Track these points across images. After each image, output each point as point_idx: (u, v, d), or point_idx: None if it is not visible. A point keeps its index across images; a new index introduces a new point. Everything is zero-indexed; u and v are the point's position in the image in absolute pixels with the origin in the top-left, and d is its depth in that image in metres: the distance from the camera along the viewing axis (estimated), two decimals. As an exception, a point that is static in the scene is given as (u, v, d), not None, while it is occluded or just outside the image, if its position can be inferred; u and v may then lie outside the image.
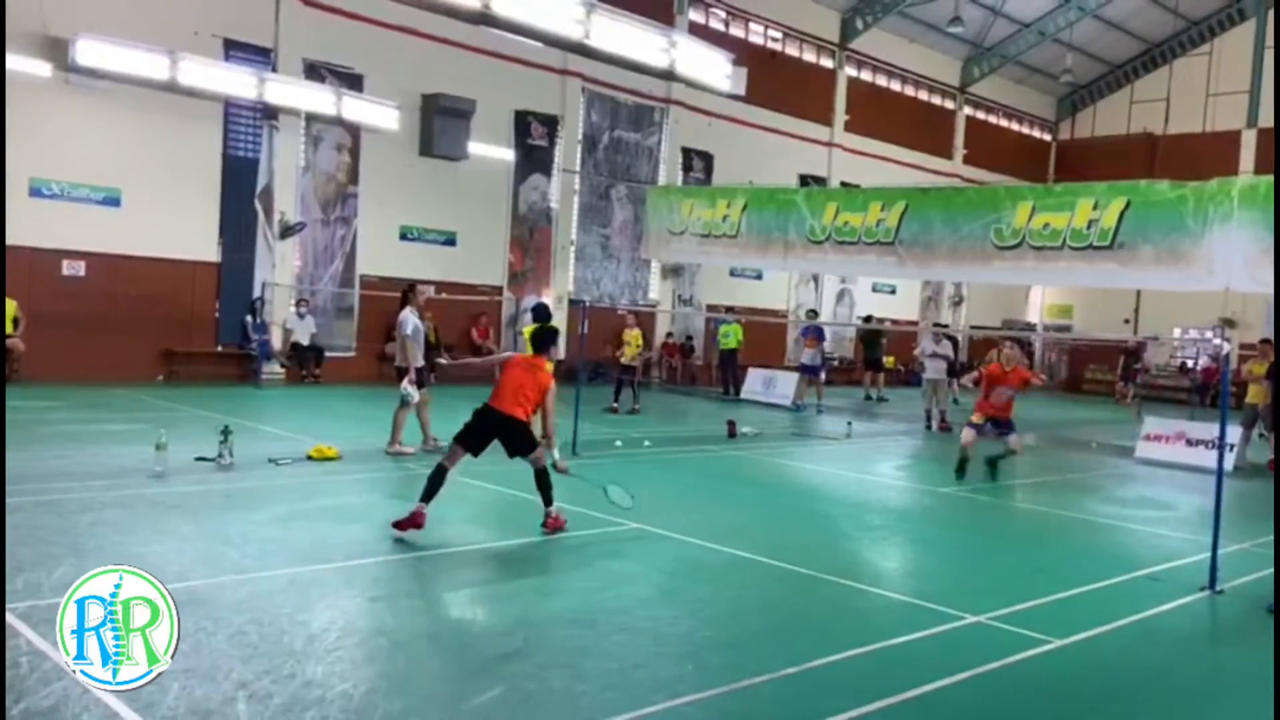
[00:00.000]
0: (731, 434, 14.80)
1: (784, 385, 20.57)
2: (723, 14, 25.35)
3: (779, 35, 26.76)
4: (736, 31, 25.53)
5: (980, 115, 33.18)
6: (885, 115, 29.60)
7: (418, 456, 10.67)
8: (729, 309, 24.15)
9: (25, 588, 5.58)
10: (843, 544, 8.53)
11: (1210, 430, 13.80)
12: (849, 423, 16.88)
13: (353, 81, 18.84)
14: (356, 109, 18.44)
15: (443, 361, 11.56)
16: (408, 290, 11.48)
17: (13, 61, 14.61)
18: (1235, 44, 31.12)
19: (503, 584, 6.66)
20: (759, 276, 25.65)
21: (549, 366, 7.98)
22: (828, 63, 28.22)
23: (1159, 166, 28.66)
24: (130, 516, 7.53)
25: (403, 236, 20.26)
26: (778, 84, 25.71)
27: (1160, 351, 30.50)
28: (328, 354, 18.92)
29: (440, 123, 19.83)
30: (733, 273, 24.69)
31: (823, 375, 20.91)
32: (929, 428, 17.54)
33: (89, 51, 15.41)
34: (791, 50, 27.23)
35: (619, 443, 13.06)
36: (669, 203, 18.37)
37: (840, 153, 28.34)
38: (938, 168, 31.16)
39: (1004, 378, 12.01)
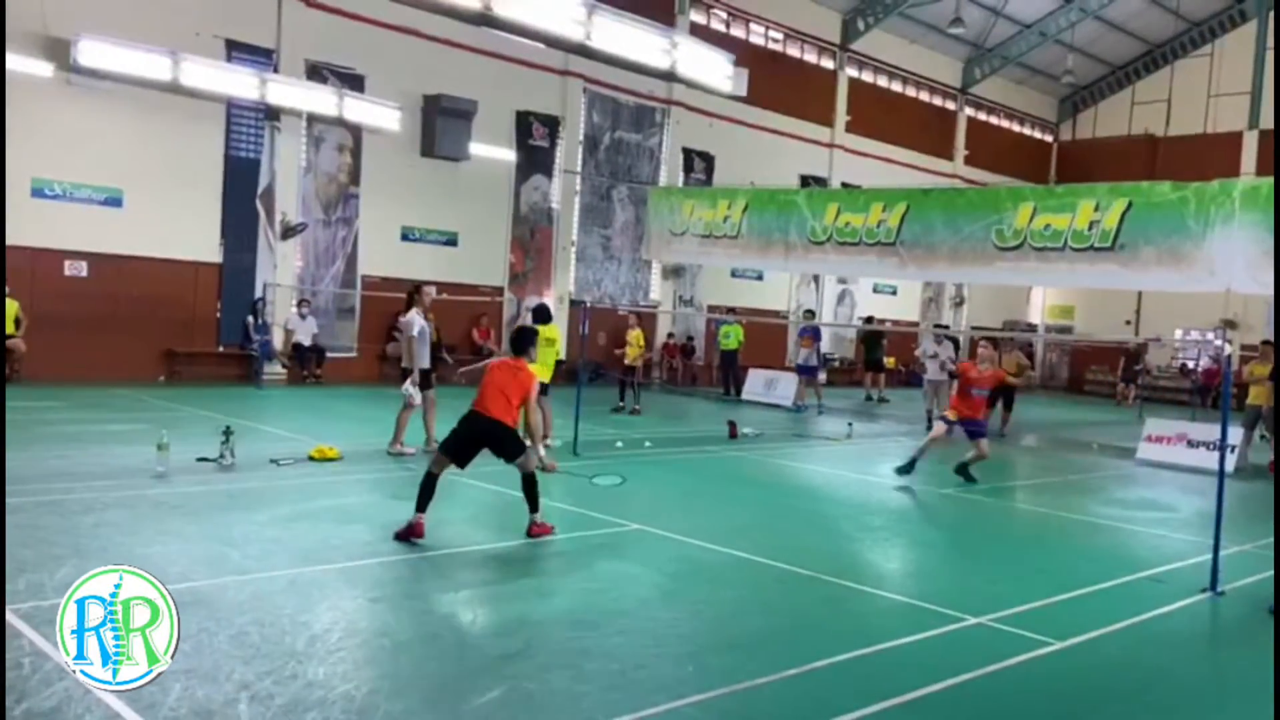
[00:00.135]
0: (733, 435, 14.80)
1: (785, 386, 20.57)
2: (724, 15, 25.35)
3: (780, 36, 26.77)
4: (737, 32, 25.53)
5: (981, 116, 33.18)
6: (886, 116, 29.60)
7: (419, 457, 10.67)
8: (730, 310, 24.15)
9: (28, 588, 5.59)
10: (844, 545, 8.53)
11: (1211, 432, 13.80)
12: (850, 424, 16.88)
13: (354, 82, 18.84)
14: (358, 110, 18.45)
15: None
16: (413, 291, 11.48)
17: (15, 62, 14.63)
18: (1236, 45, 31.09)
19: (504, 585, 6.67)
20: (760, 277, 25.65)
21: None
22: (829, 64, 28.22)
23: (1160, 168, 28.68)
24: (132, 517, 7.54)
25: (404, 237, 20.27)
26: (779, 85, 25.72)
27: (1161, 353, 30.49)
28: (329, 354, 18.92)
29: (442, 123, 19.84)
30: (734, 273, 24.68)
31: (820, 375, 20.88)
32: (930, 429, 17.49)
33: (91, 52, 15.43)
34: (793, 51, 27.24)
35: (620, 443, 13.06)
36: (670, 203, 18.38)
37: (841, 153, 28.34)
38: (939, 169, 31.15)
39: (978, 379, 11.70)
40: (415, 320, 11.10)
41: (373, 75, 19.13)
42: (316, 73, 18.53)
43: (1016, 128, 34.70)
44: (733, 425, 15.09)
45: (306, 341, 18.50)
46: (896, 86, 30.42)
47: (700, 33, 22.67)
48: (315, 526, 7.61)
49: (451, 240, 20.92)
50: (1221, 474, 7.69)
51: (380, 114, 18.70)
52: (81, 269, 16.45)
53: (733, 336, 21.52)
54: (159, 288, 17.12)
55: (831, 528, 9.20)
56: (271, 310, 18.23)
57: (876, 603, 6.70)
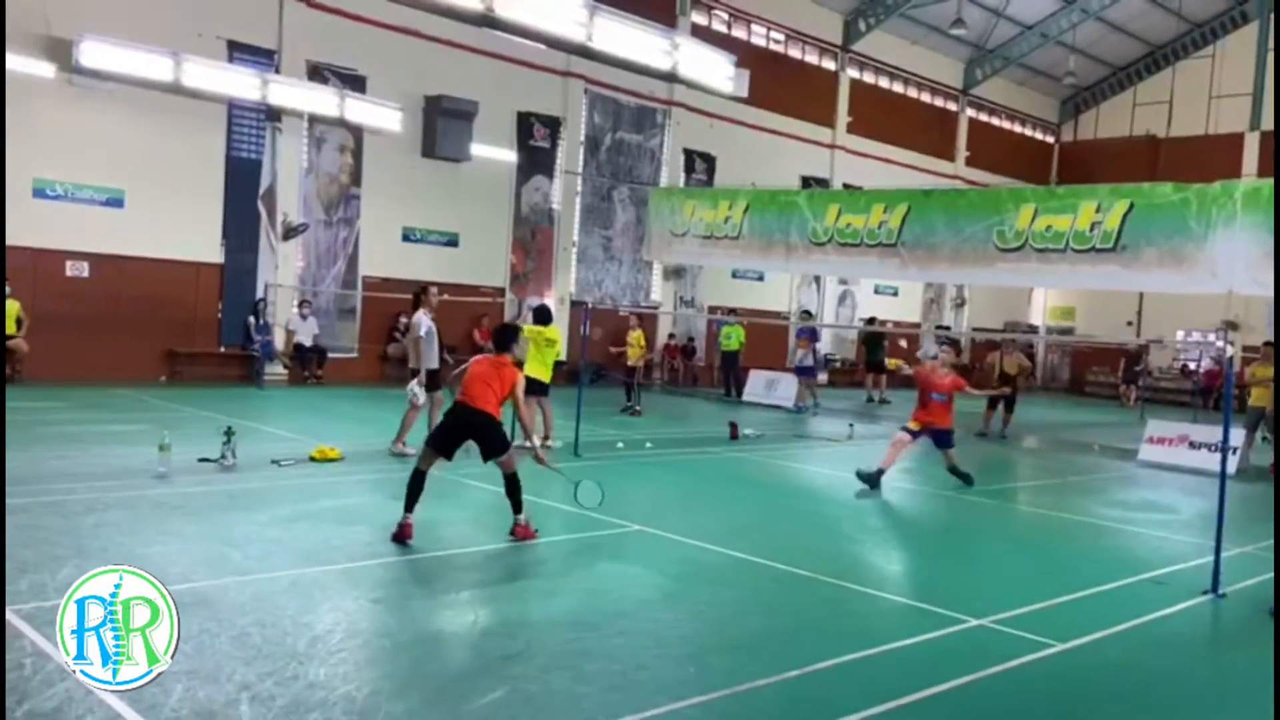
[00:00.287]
0: (733, 435, 14.80)
1: (786, 387, 20.56)
2: (725, 16, 25.35)
3: (781, 37, 26.78)
4: (739, 33, 25.54)
5: (983, 117, 33.17)
6: (888, 117, 29.60)
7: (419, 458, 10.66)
8: (731, 311, 24.15)
9: (29, 589, 5.59)
10: (845, 546, 8.52)
11: (1213, 433, 13.77)
12: (851, 425, 16.88)
13: (355, 83, 18.86)
14: (359, 110, 18.47)
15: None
16: (420, 292, 11.49)
17: (16, 63, 14.65)
18: (1238, 46, 31.08)
19: (505, 586, 6.67)
20: (761, 278, 25.65)
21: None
22: (830, 65, 28.22)
23: (1162, 169, 28.66)
24: (134, 517, 7.54)
25: (405, 238, 20.28)
26: (780, 86, 25.72)
27: (1163, 354, 30.47)
28: (330, 355, 18.94)
29: (443, 124, 19.85)
30: (734, 274, 24.69)
31: (818, 376, 20.84)
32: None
33: (93, 53, 15.44)
34: (794, 52, 27.24)
35: (621, 444, 13.06)
36: (671, 204, 18.41)
37: (842, 154, 28.34)
38: (940, 170, 31.15)
39: (937, 384, 11.05)
40: (422, 321, 11.13)
41: (374, 76, 19.14)
42: (318, 73, 18.54)
43: (1018, 129, 34.70)
44: (734, 426, 15.08)
45: (308, 342, 18.52)
46: (898, 87, 30.42)
47: (701, 34, 22.68)
48: (316, 527, 7.61)
49: (452, 241, 20.93)
50: (1223, 476, 7.68)
51: (381, 115, 18.71)
52: (83, 269, 16.47)
53: (734, 337, 21.52)
54: (160, 288, 17.13)
55: (833, 529, 9.19)
56: (273, 311, 18.24)
57: (878, 604, 6.70)
